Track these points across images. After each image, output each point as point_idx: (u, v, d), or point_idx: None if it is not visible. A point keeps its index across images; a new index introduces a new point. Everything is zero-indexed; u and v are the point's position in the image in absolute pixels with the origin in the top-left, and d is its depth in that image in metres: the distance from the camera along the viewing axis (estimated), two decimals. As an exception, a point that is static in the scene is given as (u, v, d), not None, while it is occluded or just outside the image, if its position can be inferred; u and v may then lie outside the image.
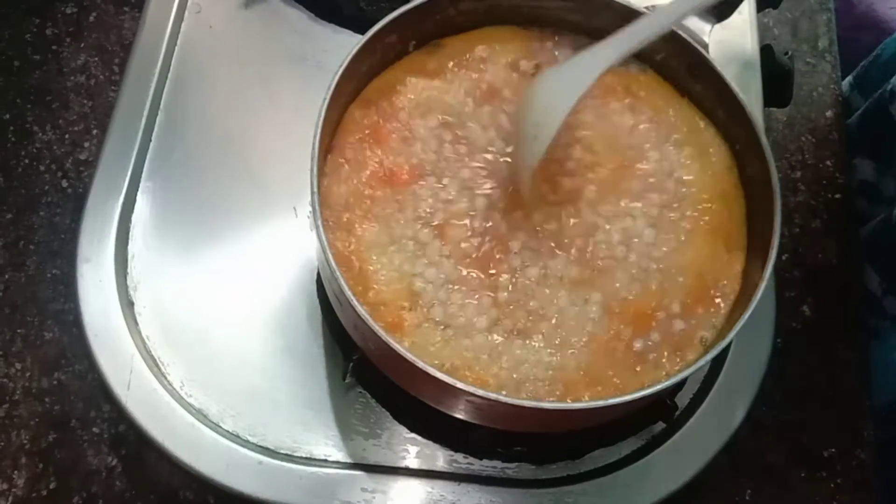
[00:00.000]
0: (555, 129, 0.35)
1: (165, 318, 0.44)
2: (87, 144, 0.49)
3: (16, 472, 0.42)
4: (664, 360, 0.36)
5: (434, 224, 0.37)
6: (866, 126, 0.53)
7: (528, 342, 0.35)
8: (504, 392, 0.34)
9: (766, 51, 0.50)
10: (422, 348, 0.35)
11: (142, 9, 0.50)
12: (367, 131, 0.39)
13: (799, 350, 0.46)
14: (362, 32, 0.38)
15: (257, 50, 0.51)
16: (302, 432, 0.42)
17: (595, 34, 0.42)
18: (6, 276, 0.46)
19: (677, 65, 0.41)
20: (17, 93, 0.50)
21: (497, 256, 0.37)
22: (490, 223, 0.37)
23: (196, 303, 0.44)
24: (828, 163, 0.51)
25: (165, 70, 0.49)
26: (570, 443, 0.42)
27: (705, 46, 0.40)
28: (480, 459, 0.42)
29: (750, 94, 0.48)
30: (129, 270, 0.44)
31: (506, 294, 0.36)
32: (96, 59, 0.51)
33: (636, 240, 0.38)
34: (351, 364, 0.41)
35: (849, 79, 0.57)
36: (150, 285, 0.44)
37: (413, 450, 0.42)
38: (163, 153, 0.47)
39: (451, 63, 0.41)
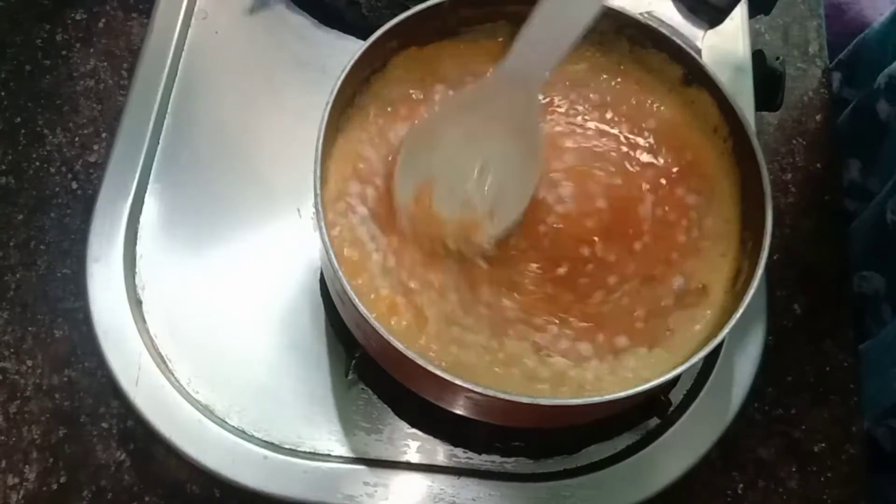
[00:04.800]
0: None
1: (172, 316, 0.44)
2: (96, 147, 0.50)
3: (27, 466, 0.42)
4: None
5: None
6: (854, 125, 0.54)
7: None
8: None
9: (757, 56, 0.51)
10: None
11: (150, 15, 0.51)
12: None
13: (790, 347, 0.47)
14: (364, 38, 0.38)
15: (262, 55, 0.51)
16: (306, 428, 0.42)
17: (591, 38, 0.43)
18: (18, 276, 0.46)
19: (671, 70, 0.42)
20: (29, 96, 0.51)
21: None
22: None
23: (202, 301, 0.45)
24: (818, 165, 0.52)
25: (173, 75, 0.50)
26: (567, 438, 0.42)
27: (698, 52, 0.40)
28: (479, 454, 0.42)
29: (742, 98, 0.48)
30: (137, 270, 0.45)
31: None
32: (105, 63, 0.52)
33: None
34: (353, 361, 0.41)
35: (837, 75, 0.58)
36: (157, 285, 0.45)
37: (414, 445, 0.42)
38: (170, 156, 0.48)
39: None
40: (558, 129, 0.40)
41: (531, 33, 0.33)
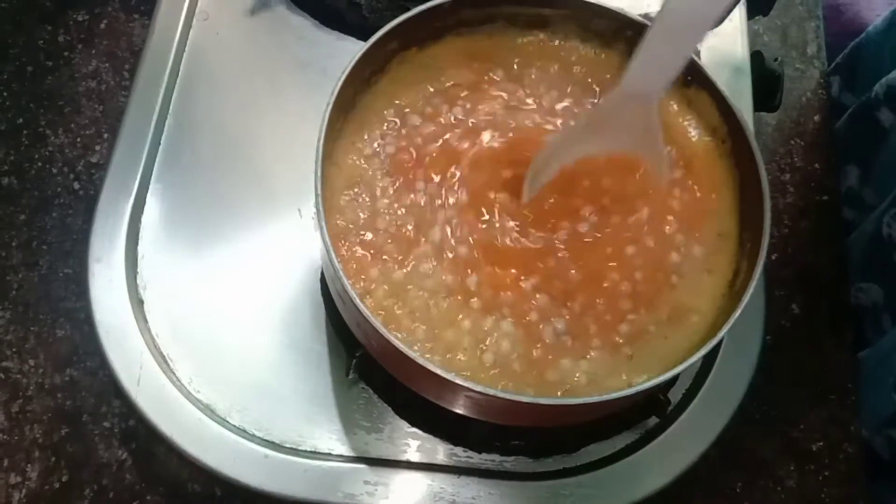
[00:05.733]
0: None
1: (174, 316, 0.45)
2: (98, 148, 0.50)
3: (29, 465, 0.43)
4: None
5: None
6: (853, 131, 0.54)
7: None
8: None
9: (756, 57, 0.51)
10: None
11: (151, 16, 0.51)
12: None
13: (788, 347, 0.47)
14: (365, 39, 0.38)
15: (263, 56, 0.52)
16: (306, 427, 0.42)
17: (591, 40, 0.43)
18: (20, 276, 0.47)
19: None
20: (31, 97, 0.51)
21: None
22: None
23: (204, 301, 0.45)
24: (816, 165, 0.52)
25: (174, 76, 0.50)
26: (567, 437, 0.43)
27: (697, 53, 0.41)
28: (479, 453, 0.43)
29: (740, 99, 0.49)
30: (138, 270, 0.45)
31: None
32: (107, 65, 0.52)
33: None
34: (354, 360, 0.42)
35: (836, 79, 0.58)
36: (159, 284, 0.45)
37: (414, 444, 0.43)
38: (172, 156, 0.48)
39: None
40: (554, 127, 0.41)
41: (647, 51, 0.33)
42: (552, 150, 0.37)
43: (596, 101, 0.40)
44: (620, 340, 0.37)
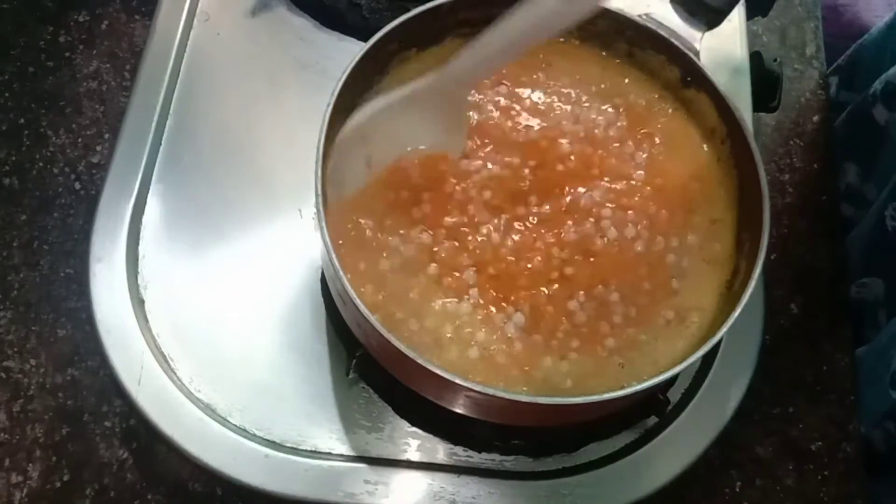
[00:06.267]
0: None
1: (175, 315, 0.45)
2: (99, 148, 0.50)
3: (30, 464, 0.43)
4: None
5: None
6: (851, 129, 0.54)
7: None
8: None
9: (755, 57, 0.51)
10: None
11: (152, 17, 0.52)
12: None
13: (787, 346, 0.47)
14: (365, 40, 0.39)
15: (264, 57, 0.52)
16: (307, 426, 0.43)
17: (590, 41, 0.43)
18: (21, 276, 0.47)
19: (669, 72, 0.42)
20: (32, 98, 0.51)
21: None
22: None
23: (204, 301, 0.45)
24: (815, 166, 0.52)
25: (175, 76, 0.50)
26: (566, 436, 0.43)
27: (697, 54, 0.41)
28: (479, 452, 0.43)
29: (739, 100, 0.49)
30: (139, 270, 0.45)
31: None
32: (108, 65, 0.52)
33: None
34: (354, 360, 0.42)
35: (835, 79, 0.58)
36: (159, 284, 0.45)
37: (414, 443, 0.43)
38: (172, 156, 0.48)
39: None
40: (554, 125, 0.41)
41: (476, 52, 0.35)
42: (364, 121, 0.38)
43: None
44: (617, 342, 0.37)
